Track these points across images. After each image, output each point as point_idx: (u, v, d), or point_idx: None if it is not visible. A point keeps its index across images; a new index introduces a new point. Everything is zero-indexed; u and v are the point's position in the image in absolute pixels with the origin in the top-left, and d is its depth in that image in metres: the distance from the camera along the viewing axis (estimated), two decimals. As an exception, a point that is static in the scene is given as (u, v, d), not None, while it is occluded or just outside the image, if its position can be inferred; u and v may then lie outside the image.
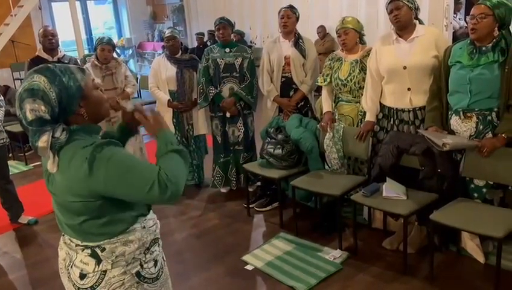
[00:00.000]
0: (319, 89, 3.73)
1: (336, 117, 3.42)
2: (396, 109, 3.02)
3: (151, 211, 1.58)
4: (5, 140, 3.68)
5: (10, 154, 5.53)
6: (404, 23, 2.86)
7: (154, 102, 4.50)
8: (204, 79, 3.97)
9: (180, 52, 4.19)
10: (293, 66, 3.72)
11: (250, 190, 4.06)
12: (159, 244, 1.58)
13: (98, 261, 1.43)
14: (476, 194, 2.77)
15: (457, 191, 2.79)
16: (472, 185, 2.78)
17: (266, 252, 3.14)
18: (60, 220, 1.49)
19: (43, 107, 1.32)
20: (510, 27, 2.62)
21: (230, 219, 3.75)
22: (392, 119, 3.06)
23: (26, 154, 5.62)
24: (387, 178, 2.94)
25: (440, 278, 2.70)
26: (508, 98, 2.54)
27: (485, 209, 2.62)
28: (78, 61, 4.62)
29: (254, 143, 4.22)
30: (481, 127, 2.65)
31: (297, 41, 3.72)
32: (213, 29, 4.11)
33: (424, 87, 2.89)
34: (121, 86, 4.12)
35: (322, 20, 7.73)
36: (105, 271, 1.43)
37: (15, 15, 8.14)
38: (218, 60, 3.94)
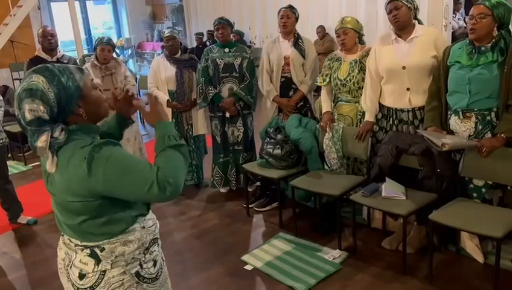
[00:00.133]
0: (318, 89, 3.73)
1: (335, 117, 3.42)
2: (396, 109, 3.02)
3: (150, 211, 1.58)
4: (4, 140, 3.67)
5: (9, 155, 5.54)
6: (403, 23, 2.86)
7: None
8: (204, 79, 3.97)
9: (180, 52, 4.20)
10: (293, 66, 3.72)
11: (250, 190, 4.06)
12: (158, 244, 1.58)
13: (98, 261, 1.43)
14: (475, 194, 2.77)
15: (456, 191, 2.80)
16: (471, 185, 2.78)
17: (265, 252, 3.14)
18: (59, 220, 1.49)
19: (41, 107, 1.32)
20: (509, 27, 2.62)
21: (230, 219, 3.75)
22: (391, 119, 3.06)
23: (25, 154, 5.62)
24: (387, 178, 2.95)
25: (439, 278, 2.70)
26: (507, 98, 2.54)
27: (484, 209, 2.62)
28: (77, 61, 4.61)
29: (254, 143, 4.22)
30: (480, 127, 2.65)
31: (297, 42, 3.72)
32: (212, 29, 4.11)
33: (423, 87, 2.90)
34: (121, 86, 4.11)
35: (321, 20, 7.73)
36: (104, 271, 1.43)
37: (14, 15, 8.12)
38: (217, 60, 3.94)
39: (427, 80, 2.88)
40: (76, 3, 9.35)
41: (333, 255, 3.02)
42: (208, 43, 8.66)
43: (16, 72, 8.42)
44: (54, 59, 4.02)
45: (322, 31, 7.72)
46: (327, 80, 3.41)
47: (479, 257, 2.83)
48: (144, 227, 1.50)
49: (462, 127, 2.70)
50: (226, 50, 3.96)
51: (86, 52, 9.12)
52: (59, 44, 4.22)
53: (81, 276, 1.44)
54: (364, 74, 3.17)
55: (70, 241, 1.47)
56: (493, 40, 2.55)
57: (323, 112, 3.49)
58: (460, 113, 2.69)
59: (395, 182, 2.90)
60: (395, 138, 2.96)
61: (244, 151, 4.11)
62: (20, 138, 5.47)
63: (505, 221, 2.42)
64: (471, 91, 2.61)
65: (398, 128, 3.04)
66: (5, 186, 3.73)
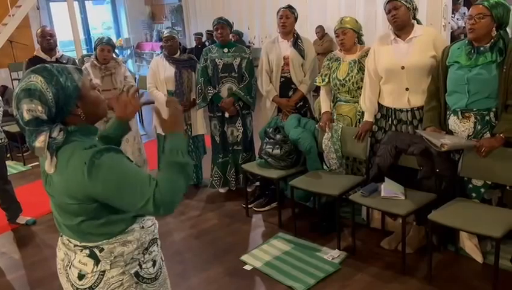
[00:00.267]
0: (317, 89, 3.73)
1: (334, 117, 3.42)
2: (395, 109, 3.02)
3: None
4: (3, 140, 3.67)
5: (8, 155, 5.53)
6: (402, 23, 2.86)
7: (153, 102, 4.49)
8: (203, 79, 3.97)
9: (179, 52, 4.19)
10: (292, 66, 3.72)
11: (249, 190, 4.06)
12: (157, 244, 1.57)
13: (97, 261, 1.42)
14: (474, 194, 2.77)
15: (455, 191, 2.80)
16: (470, 185, 2.78)
17: (265, 252, 3.14)
18: (58, 221, 1.48)
19: (40, 108, 1.32)
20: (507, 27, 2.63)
21: (229, 219, 3.75)
22: (390, 119, 3.06)
23: (24, 154, 5.61)
24: (386, 178, 2.95)
25: (438, 278, 2.70)
26: (506, 98, 2.54)
27: (483, 209, 2.62)
28: (76, 61, 4.61)
29: (253, 143, 4.22)
30: (479, 127, 2.65)
31: (296, 42, 3.72)
32: (211, 29, 4.11)
33: (422, 87, 2.90)
34: (120, 86, 4.11)
35: (320, 20, 7.74)
36: (103, 271, 1.43)
37: (13, 15, 8.13)
38: (216, 60, 3.93)
39: (426, 80, 2.88)
40: (75, 3, 9.35)
41: (332, 255, 3.02)
42: (207, 43, 8.66)
43: (15, 72, 8.41)
44: (53, 59, 4.02)
45: (321, 31, 7.73)
46: (326, 80, 3.42)
47: (478, 257, 2.84)
48: (143, 227, 1.50)
49: (461, 127, 2.71)
50: (225, 50, 3.96)
51: (84, 52, 9.11)
52: (58, 44, 4.22)
53: (81, 276, 1.44)
54: (364, 74, 3.17)
55: (70, 241, 1.46)
56: (492, 40, 2.55)
57: (322, 112, 3.49)
58: (459, 113, 2.69)
59: (394, 182, 2.90)
60: (394, 138, 2.96)
61: (243, 151, 4.11)
62: (19, 138, 5.47)
63: (504, 221, 2.42)
64: (470, 91, 2.62)
65: (397, 128, 3.04)
66: (4, 187, 3.73)
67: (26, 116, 1.32)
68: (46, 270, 3.10)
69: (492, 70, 2.55)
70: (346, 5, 7.17)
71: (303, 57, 3.72)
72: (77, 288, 1.45)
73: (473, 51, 2.61)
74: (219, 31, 3.92)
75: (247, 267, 2.98)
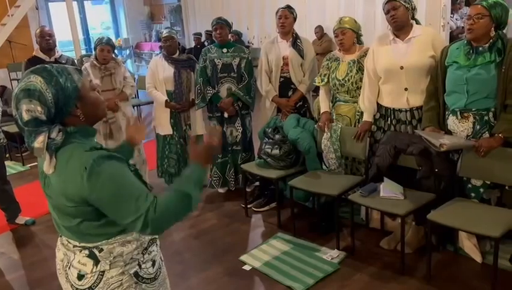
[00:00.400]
0: (316, 89, 3.73)
1: (334, 117, 3.43)
2: (394, 109, 3.03)
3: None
4: (2, 140, 3.66)
5: (7, 155, 5.53)
6: (401, 23, 2.87)
7: (152, 102, 4.49)
8: (202, 79, 3.96)
9: (178, 52, 4.19)
10: (291, 66, 3.72)
11: (248, 190, 4.06)
12: (157, 244, 1.58)
13: (96, 261, 1.42)
14: (473, 194, 2.77)
15: (454, 191, 2.80)
16: (469, 185, 2.78)
17: (264, 252, 3.14)
18: (57, 222, 1.48)
19: (39, 108, 1.32)
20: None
21: (228, 219, 3.75)
22: (389, 119, 3.07)
23: (23, 154, 5.61)
24: (385, 178, 2.95)
25: (437, 278, 2.70)
26: (505, 98, 2.55)
27: (482, 209, 2.62)
28: (75, 61, 4.61)
29: (252, 143, 4.22)
30: (478, 127, 2.65)
31: (295, 42, 3.72)
32: (210, 29, 4.11)
33: (421, 87, 2.90)
34: (120, 86, 4.11)
35: (319, 21, 7.74)
36: (103, 272, 1.43)
37: (12, 15, 8.11)
38: (215, 60, 3.93)
39: (425, 80, 2.88)
40: (74, 4, 9.34)
41: (331, 255, 3.02)
42: (206, 43, 8.66)
43: (14, 72, 8.39)
44: (52, 59, 4.01)
45: (320, 31, 7.73)
46: (325, 80, 3.42)
47: (477, 257, 2.84)
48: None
49: (460, 127, 2.71)
50: (224, 50, 3.96)
51: (83, 52, 9.12)
52: (57, 44, 4.21)
53: (80, 277, 1.44)
54: (363, 74, 3.18)
55: (69, 242, 1.46)
56: (491, 41, 2.55)
57: (321, 112, 3.49)
58: (458, 113, 2.70)
59: (393, 182, 2.91)
60: (393, 138, 2.96)
61: (242, 151, 4.11)
62: (18, 139, 5.46)
63: (503, 221, 2.42)
64: (469, 91, 2.62)
65: (396, 128, 3.04)
66: (3, 187, 3.73)
67: (26, 116, 1.32)
68: (45, 270, 3.09)
69: (491, 71, 2.56)
70: (345, 5, 7.17)
71: (302, 57, 3.72)
72: (77, 288, 1.45)
73: (471, 51, 2.61)
74: (218, 31, 3.92)
75: (247, 267, 2.99)
